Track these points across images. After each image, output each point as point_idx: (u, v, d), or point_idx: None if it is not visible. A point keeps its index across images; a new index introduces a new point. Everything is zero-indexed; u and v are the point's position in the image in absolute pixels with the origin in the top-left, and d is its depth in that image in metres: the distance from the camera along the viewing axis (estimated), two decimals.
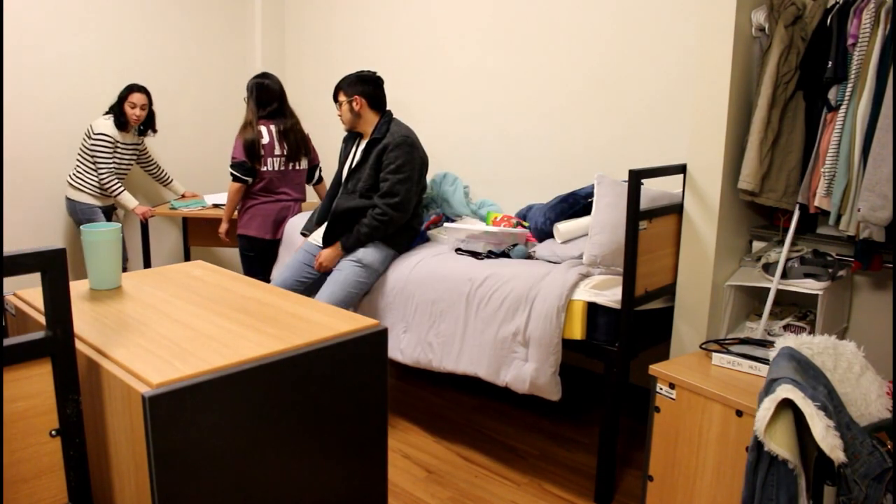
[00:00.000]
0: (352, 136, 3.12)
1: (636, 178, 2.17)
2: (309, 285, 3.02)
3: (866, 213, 2.00)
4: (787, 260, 2.26)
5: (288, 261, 3.12)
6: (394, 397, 3.21)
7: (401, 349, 2.79)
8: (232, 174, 3.32)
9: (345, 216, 2.89)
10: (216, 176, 4.69)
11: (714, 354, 2.00)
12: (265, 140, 3.34)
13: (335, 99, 3.02)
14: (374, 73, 3.01)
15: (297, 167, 3.47)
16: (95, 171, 3.71)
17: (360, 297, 2.91)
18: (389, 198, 2.81)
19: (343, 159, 3.14)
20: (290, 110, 3.47)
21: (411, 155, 2.85)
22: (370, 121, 2.97)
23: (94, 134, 3.66)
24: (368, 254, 2.84)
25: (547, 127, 3.35)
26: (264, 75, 3.45)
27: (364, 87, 2.95)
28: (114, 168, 3.74)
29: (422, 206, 3.11)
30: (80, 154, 3.75)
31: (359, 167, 2.94)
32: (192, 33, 4.45)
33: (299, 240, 3.26)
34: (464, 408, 3.11)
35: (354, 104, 2.94)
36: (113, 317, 1.53)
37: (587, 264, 2.39)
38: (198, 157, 4.60)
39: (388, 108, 3.04)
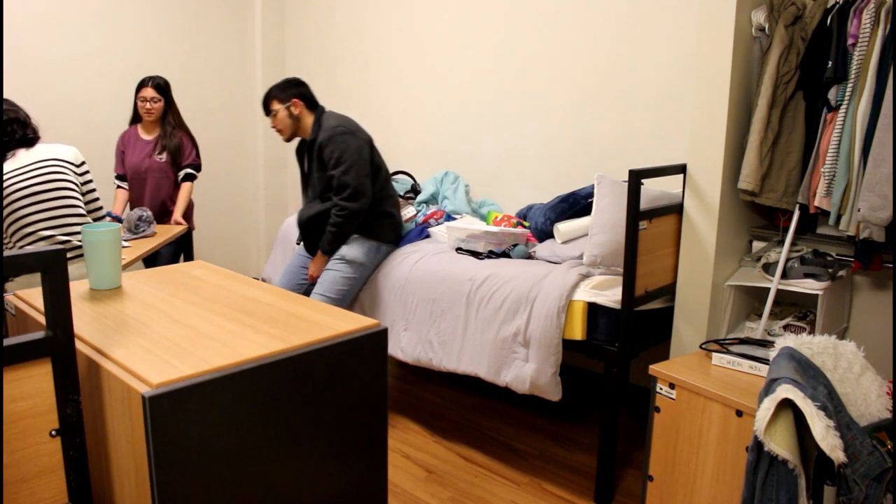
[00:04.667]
0: (301, 147, 3.04)
1: (636, 178, 2.17)
2: (307, 287, 3.02)
3: (866, 213, 2.00)
4: (787, 260, 2.25)
5: (284, 268, 3.12)
6: (394, 397, 3.21)
7: (401, 347, 2.79)
8: None
9: (310, 225, 2.87)
10: (216, 177, 4.70)
11: (714, 354, 2.00)
12: None
13: (267, 111, 2.92)
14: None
15: None
16: (88, 214, 2.49)
17: (355, 293, 2.90)
18: (341, 192, 2.77)
19: (301, 170, 3.08)
20: None
21: (346, 143, 2.77)
22: (309, 122, 2.91)
23: (82, 162, 2.48)
24: (350, 249, 2.83)
25: (547, 127, 3.35)
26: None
27: (298, 90, 2.90)
28: None
29: (390, 186, 3.01)
30: (72, 196, 2.36)
31: (311, 173, 2.91)
32: (192, 34, 4.45)
33: (295, 237, 3.26)
34: (464, 408, 3.11)
35: (293, 108, 2.87)
36: (113, 317, 1.53)
37: (587, 264, 2.39)
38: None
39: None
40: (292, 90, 2.89)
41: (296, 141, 3.05)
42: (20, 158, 2.30)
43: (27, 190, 2.25)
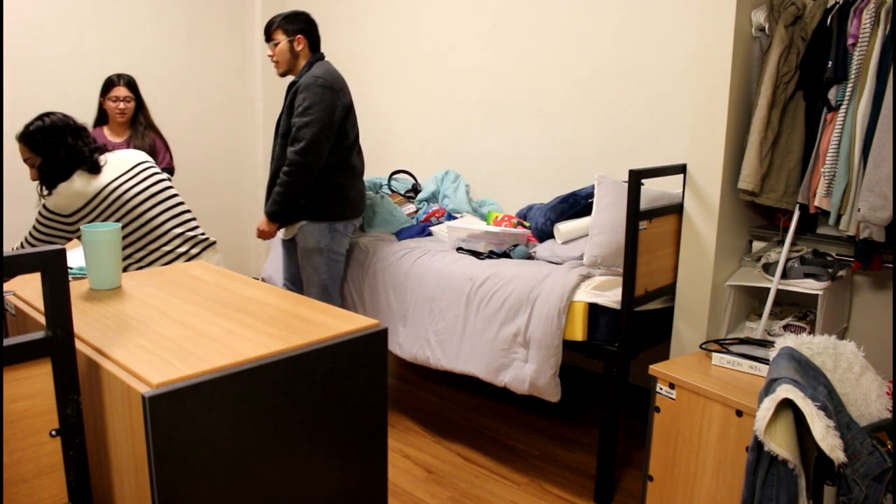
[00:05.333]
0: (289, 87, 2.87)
1: (636, 178, 2.17)
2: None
3: (866, 213, 2.00)
4: (787, 260, 2.25)
5: (279, 260, 3.13)
6: (394, 397, 3.21)
7: (399, 343, 2.79)
8: None
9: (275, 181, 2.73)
10: (216, 177, 4.69)
11: (714, 354, 2.00)
12: None
13: (269, 39, 2.76)
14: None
15: None
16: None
17: (338, 276, 2.83)
18: (295, 144, 2.58)
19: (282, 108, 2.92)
20: None
21: (321, 96, 2.58)
22: (303, 64, 2.76)
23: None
24: (304, 239, 2.74)
25: (547, 127, 3.35)
26: None
27: (306, 26, 2.74)
28: None
29: (352, 157, 2.80)
30: (175, 194, 2.40)
31: (282, 113, 2.76)
32: (192, 34, 4.45)
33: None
34: (463, 408, 3.11)
35: (296, 43, 2.72)
36: (113, 317, 1.53)
37: (588, 265, 2.39)
38: (197, 158, 4.59)
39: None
40: (300, 24, 2.73)
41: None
42: (119, 163, 2.29)
43: (145, 193, 2.28)
